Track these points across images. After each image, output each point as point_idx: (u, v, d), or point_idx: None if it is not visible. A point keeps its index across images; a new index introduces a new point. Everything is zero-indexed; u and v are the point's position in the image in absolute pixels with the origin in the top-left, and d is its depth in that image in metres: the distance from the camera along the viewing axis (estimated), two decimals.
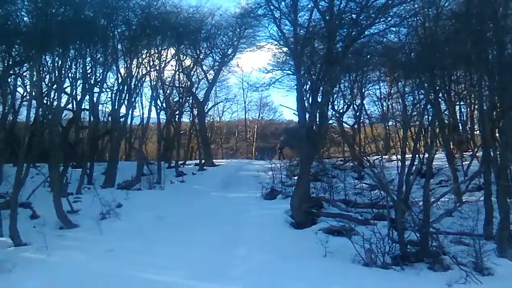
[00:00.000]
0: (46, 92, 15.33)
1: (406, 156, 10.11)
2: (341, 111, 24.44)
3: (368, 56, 17.47)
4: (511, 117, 9.45)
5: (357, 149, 24.35)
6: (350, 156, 23.51)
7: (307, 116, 12.54)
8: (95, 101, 19.65)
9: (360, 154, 22.24)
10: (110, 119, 21.89)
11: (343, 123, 25.58)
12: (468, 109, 21.98)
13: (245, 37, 26.11)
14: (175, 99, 27.16)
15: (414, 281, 7.30)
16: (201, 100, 27.24)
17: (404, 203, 9.05)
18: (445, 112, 16.96)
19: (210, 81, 28.17)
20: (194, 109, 27.80)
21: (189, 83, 26.56)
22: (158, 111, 22.74)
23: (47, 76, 16.09)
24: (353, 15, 12.64)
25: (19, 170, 10.80)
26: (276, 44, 18.23)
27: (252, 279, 7.37)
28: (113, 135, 20.28)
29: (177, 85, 26.50)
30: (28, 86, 17.56)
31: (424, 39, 12.37)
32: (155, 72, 21.57)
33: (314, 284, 7.15)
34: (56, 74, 14.83)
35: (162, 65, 22.11)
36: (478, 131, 19.89)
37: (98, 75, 19.66)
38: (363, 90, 25.36)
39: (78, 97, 18.90)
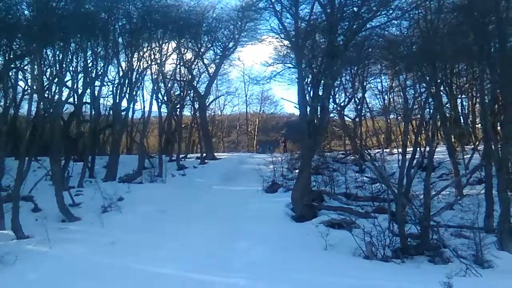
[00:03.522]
0: (47, 86, 15.33)
1: (407, 149, 10.12)
2: (342, 104, 24.41)
3: (370, 49, 17.39)
4: None
5: (358, 142, 24.33)
6: (351, 149, 23.48)
7: (308, 109, 12.54)
8: (96, 94, 19.61)
9: (361, 148, 22.22)
10: (111, 112, 21.90)
11: (344, 117, 25.54)
12: (470, 102, 21.99)
13: (246, 31, 26.00)
14: (176, 93, 27.11)
15: (415, 274, 7.33)
16: (202, 93, 27.19)
17: (405, 196, 9.07)
18: (447, 106, 16.95)
19: (211, 75, 28.11)
20: (195, 103, 27.78)
21: (190, 76, 26.52)
22: (159, 104, 22.76)
23: (48, 70, 16.10)
24: (354, 8, 12.62)
25: (21, 164, 10.84)
26: (277, 38, 18.20)
27: (253, 271, 7.39)
28: (114, 128, 20.31)
29: (178, 79, 26.43)
30: (29, 80, 17.56)
31: (426, 32, 12.32)
32: (156, 65, 21.53)
33: (314, 276, 7.17)
34: (57, 68, 14.84)
35: (163, 59, 22.06)
36: (479, 125, 19.90)
37: (99, 68, 19.62)
38: (365, 84, 25.27)
39: (79, 91, 18.93)
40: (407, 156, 9.63)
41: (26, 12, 14.30)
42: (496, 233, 8.75)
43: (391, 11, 12.29)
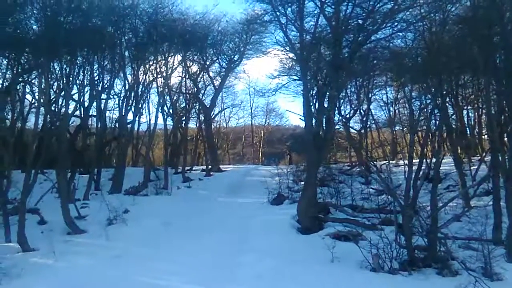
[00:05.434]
0: (54, 99, 15.47)
1: (414, 161, 10.05)
2: (347, 116, 24.40)
3: (375, 61, 17.42)
4: None
5: (364, 154, 24.27)
6: (357, 161, 23.43)
7: (313, 121, 12.54)
8: (102, 107, 19.79)
9: (367, 159, 22.14)
10: (117, 125, 22.03)
11: (350, 128, 25.53)
12: (476, 113, 21.94)
13: (252, 43, 26.24)
14: (182, 105, 27.33)
15: (422, 287, 7.25)
16: (207, 106, 27.35)
17: (412, 208, 8.99)
18: (453, 117, 16.89)
19: (216, 87, 28.28)
20: (200, 115, 27.92)
21: (195, 89, 26.72)
22: (165, 117, 22.91)
23: (55, 83, 16.26)
24: (359, 21, 12.66)
25: (27, 177, 10.88)
26: (282, 50, 18.31)
27: (259, 284, 7.36)
28: (120, 141, 20.41)
29: (184, 91, 26.66)
30: (36, 93, 17.77)
31: (431, 44, 12.35)
32: (162, 78, 21.76)
33: None
34: (64, 81, 14.97)
35: (169, 72, 22.30)
36: (486, 136, 19.81)
37: (105, 82, 19.86)
38: (370, 95, 25.33)
39: (86, 104, 19.07)
40: (413, 168, 9.57)
41: (34, 26, 14.52)
42: (504, 245, 8.65)
43: (396, 23, 12.34)
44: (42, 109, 14.13)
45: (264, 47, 25.45)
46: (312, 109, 12.97)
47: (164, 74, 21.60)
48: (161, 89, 21.76)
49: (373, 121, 27.49)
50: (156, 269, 8.31)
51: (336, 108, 19.52)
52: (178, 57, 23.57)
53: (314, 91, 15.70)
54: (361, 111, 25.57)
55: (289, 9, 13.25)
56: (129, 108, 20.02)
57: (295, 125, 45.07)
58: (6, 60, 15.33)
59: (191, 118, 28.88)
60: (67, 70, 15.39)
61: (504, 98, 10.09)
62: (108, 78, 19.92)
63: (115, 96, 21.88)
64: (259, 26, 18.69)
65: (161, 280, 7.71)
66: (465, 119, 20.79)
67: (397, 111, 27.31)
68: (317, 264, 8.44)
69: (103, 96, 19.82)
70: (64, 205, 11.69)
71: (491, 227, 9.33)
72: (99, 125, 20.08)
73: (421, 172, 10.26)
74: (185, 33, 21.32)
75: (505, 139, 11.07)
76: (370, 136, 28.60)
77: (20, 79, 17.16)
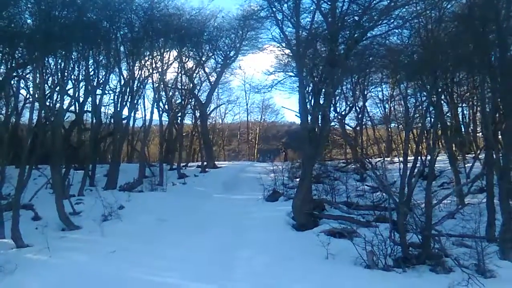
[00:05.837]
0: (48, 94, 15.41)
1: (408, 158, 10.09)
2: (343, 113, 24.44)
3: (371, 58, 17.45)
4: None
5: (359, 151, 24.35)
6: (352, 158, 23.49)
7: (309, 118, 12.54)
8: (97, 103, 19.67)
9: (362, 156, 22.20)
10: (112, 121, 21.96)
11: (345, 125, 25.60)
12: (471, 111, 22.04)
13: (248, 39, 26.17)
14: (177, 101, 27.22)
15: (416, 284, 7.27)
16: (203, 102, 27.28)
17: (406, 205, 9.02)
18: (447, 114, 16.95)
19: (212, 83, 28.22)
20: (196, 111, 27.88)
21: (191, 85, 26.65)
22: (160, 113, 22.79)
23: (50, 78, 16.18)
24: (355, 17, 12.64)
25: (22, 172, 10.82)
26: (278, 46, 18.24)
27: (254, 281, 7.37)
28: (115, 137, 20.33)
29: (180, 87, 26.58)
30: (31, 88, 17.67)
31: (427, 41, 12.37)
32: (158, 74, 21.66)
33: (315, 286, 7.15)
34: (59, 76, 14.90)
35: (165, 67, 22.16)
36: (480, 133, 19.91)
37: (100, 77, 19.73)
38: (365, 92, 25.41)
39: (81, 99, 19.02)
40: (408, 165, 9.60)
41: (28, 21, 14.42)
42: (498, 242, 8.71)
43: (392, 20, 12.32)
44: (36, 104, 14.07)
45: (260, 43, 25.47)
46: (308, 106, 12.97)
47: (160, 69, 21.54)
48: (157, 84, 21.67)
49: (369, 118, 27.57)
50: (152, 266, 8.30)
51: (332, 105, 19.52)
52: (174, 53, 23.51)
53: (310, 88, 15.70)
54: (357, 108, 25.66)
55: (285, 5, 13.21)
56: (124, 103, 19.94)
57: (290, 121, 45.24)
58: (0, 54, 15.21)
59: (187, 114, 28.84)
60: (62, 65, 15.32)
61: (498, 95, 10.12)
62: (103, 73, 19.83)
63: (110, 92, 21.86)
64: (255, 22, 18.54)
65: (157, 276, 7.71)
66: (460, 116, 20.88)
67: (392, 108, 27.43)
68: (311, 260, 8.46)
69: (98, 91, 19.73)
70: (58, 201, 11.63)
71: (484, 224, 9.38)
72: (94, 121, 19.99)
73: (416, 169, 10.30)
74: (181, 29, 21.24)
75: (499, 136, 11.11)
76: (366, 133, 28.68)
77: (14, 74, 17.06)
